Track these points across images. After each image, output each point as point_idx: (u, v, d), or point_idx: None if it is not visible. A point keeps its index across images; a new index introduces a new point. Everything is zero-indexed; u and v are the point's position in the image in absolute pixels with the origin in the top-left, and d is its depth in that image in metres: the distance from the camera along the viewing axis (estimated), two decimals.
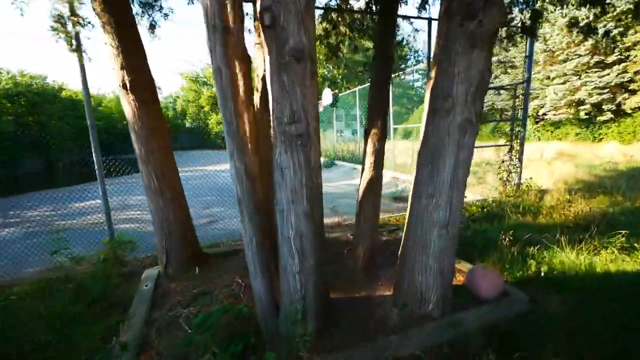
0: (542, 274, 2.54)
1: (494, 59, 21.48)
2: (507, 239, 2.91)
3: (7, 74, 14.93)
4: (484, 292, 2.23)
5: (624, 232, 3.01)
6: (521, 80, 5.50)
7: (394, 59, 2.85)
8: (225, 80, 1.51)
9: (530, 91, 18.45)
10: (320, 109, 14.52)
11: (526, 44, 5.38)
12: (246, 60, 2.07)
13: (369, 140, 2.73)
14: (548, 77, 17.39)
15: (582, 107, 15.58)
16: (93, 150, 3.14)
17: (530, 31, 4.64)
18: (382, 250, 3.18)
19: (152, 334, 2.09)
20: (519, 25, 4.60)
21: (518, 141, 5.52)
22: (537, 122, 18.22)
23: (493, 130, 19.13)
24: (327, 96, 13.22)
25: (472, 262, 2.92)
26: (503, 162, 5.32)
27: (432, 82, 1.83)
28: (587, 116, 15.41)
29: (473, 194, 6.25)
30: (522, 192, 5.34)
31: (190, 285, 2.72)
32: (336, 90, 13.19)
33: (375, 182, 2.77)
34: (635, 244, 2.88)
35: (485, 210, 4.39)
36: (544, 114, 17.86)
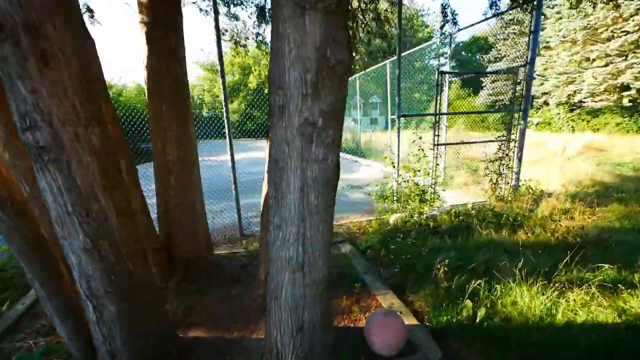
0: (478, 321, 1.93)
1: (525, 39, 19.28)
2: (443, 269, 2.28)
3: None
4: (378, 347, 1.69)
5: (607, 266, 2.29)
6: (524, 63, 4.57)
7: None
8: None
9: (566, 75, 16.39)
10: None
11: (531, 17, 4.41)
12: None
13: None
14: (587, 59, 15.31)
15: (626, 93, 13.60)
16: None
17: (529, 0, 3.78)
18: None
19: None
20: None
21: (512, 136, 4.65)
22: (571, 111, 16.26)
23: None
24: None
25: (404, 294, 2.35)
26: (491, 161, 4.49)
27: (269, 67, 1.28)
28: (632, 104, 13.42)
29: (463, 196, 5.49)
30: (518, 196, 4.52)
31: None
32: None
33: None
34: (621, 284, 2.14)
35: (458, 219, 3.71)
36: (581, 102, 15.87)
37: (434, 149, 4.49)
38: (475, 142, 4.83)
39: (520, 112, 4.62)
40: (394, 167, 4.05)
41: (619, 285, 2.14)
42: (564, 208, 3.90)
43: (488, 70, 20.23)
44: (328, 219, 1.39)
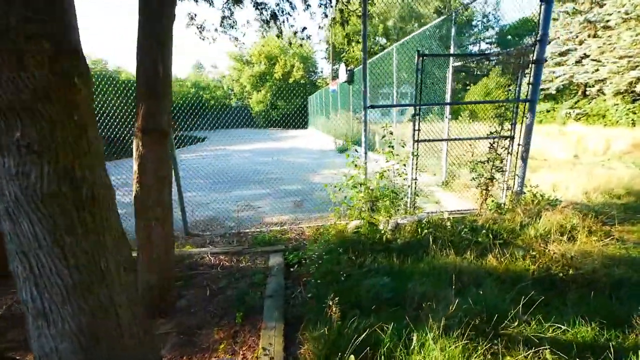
0: None
1: (579, 17, 16.39)
2: (336, 309, 1.76)
3: None
4: None
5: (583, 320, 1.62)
6: (533, 42, 3.66)
7: None
8: None
9: (627, 59, 13.97)
10: (334, 87, 13.19)
11: None
12: None
13: (135, 140, 1.85)
14: None
15: None
16: None
17: None
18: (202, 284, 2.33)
19: None
20: None
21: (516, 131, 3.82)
22: (633, 101, 13.83)
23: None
24: (341, 73, 11.82)
25: (298, 331, 1.90)
26: (480, 162, 3.69)
27: None
28: None
29: (461, 201, 4.77)
30: (520, 205, 3.72)
31: None
32: (352, 66, 11.68)
33: (158, 191, 1.92)
34: (596, 350, 1.48)
35: (423, 233, 3.08)
36: None
37: (413, 146, 3.83)
38: (461, 139, 4.05)
39: (527, 103, 3.76)
40: (356, 166, 3.49)
41: (592, 352, 1.49)
42: (569, 224, 3.09)
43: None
44: (68, 255, 1.00)
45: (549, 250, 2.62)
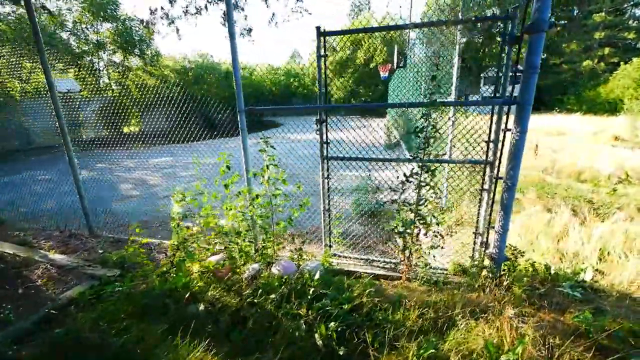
0: None
1: None
2: None
3: (181, 56, 20.59)
4: None
5: None
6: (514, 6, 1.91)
7: None
8: None
9: None
10: (384, 74, 11.42)
11: None
12: None
13: None
14: None
15: None
16: None
17: None
18: None
19: None
20: None
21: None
22: None
23: None
24: (395, 56, 10.04)
25: None
26: (397, 202, 2.21)
27: None
28: None
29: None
30: (479, 279, 2.22)
31: None
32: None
33: None
34: None
35: (247, 299, 2.10)
36: None
37: (322, 164, 2.73)
38: (387, 160, 2.57)
39: (512, 106, 2.11)
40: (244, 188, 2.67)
41: None
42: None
43: None
44: None
45: None
